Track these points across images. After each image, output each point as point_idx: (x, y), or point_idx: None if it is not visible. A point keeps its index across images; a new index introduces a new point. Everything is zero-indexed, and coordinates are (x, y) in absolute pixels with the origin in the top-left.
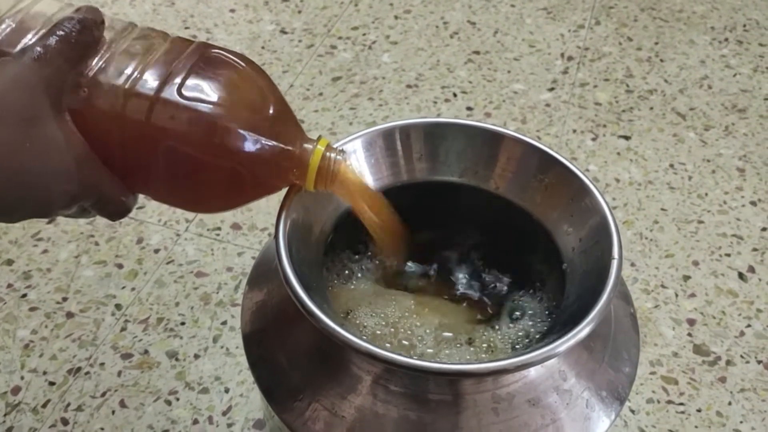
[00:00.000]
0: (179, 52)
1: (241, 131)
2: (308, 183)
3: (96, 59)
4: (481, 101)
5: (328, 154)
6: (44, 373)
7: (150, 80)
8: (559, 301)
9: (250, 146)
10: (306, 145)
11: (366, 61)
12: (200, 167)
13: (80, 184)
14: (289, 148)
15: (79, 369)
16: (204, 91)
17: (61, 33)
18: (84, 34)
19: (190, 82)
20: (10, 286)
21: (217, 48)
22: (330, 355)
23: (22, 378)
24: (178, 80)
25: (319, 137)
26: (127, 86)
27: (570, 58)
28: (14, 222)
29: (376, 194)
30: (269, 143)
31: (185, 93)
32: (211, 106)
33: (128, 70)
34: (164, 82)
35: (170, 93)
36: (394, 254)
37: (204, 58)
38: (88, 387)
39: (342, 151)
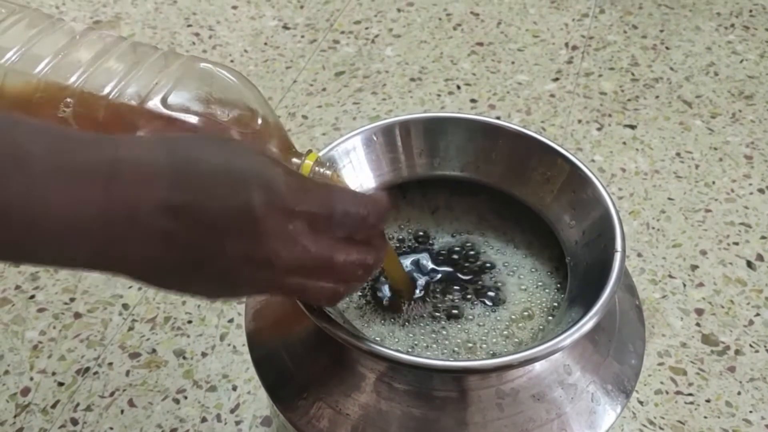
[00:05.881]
0: (168, 64)
1: None
2: None
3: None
4: (485, 93)
5: (317, 168)
6: (53, 373)
7: (135, 90)
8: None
9: None
10: (294, 160)
11: (369, 55)
12: None
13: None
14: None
15: (87, 369)
16: (189, 103)
17: None
18: None
19: (176, 93)
20: (18, 287)
21: (206, 61)
22: (333, 353)
23: (32, 379)
24: (164, 91)
25: (309, 151)
26: (111, 96)
27: (574, 48)
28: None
29: None
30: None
31: (170, 103)
32: (195, 117)
33: (114, 81)
34: (150, 92)
35: (154, 104)
36: (391, 278)
37: (192, 71)
38: (96, 387)
39: (332, 165)
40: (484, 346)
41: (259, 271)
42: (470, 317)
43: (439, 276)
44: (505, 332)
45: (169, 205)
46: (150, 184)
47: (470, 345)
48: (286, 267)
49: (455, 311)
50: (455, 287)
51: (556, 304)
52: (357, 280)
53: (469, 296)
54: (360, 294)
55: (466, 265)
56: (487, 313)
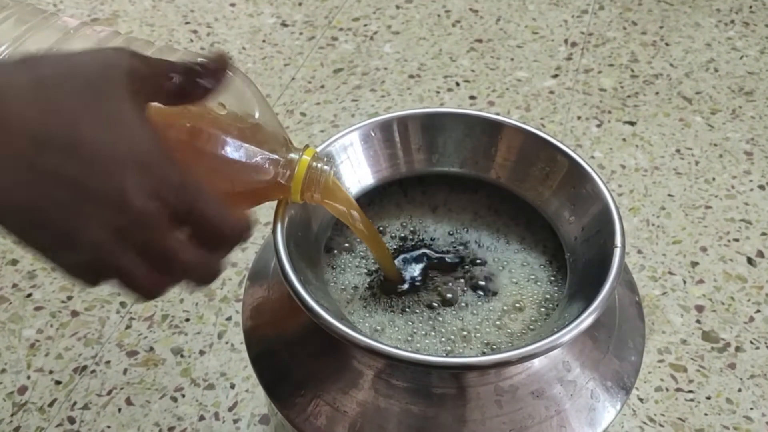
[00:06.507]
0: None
1: (222, 136)
2: (293, 194)
3: None
4: (484, 90)
5: (314, 164)
6: (50, 372)
7: None
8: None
9: (230, 152)
10: (291, 155)
11: (368, 52)
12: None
13: (159, 179)
14: (273, 156)
15: (84, 367)
16: None
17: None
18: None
19: None
20: (15, 285)
21: (204, 56)
22: (331, 350)
23: (29, 377)
24: None
25: (306, 146)
26: None
27: (574, 44)
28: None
29: (359, 209)
30: (251, 150)
31: None
32: None
33: None
34: None
35: None
36: (383, 267)
37: None
38: (94, 385)
39: (330, 160)
40: (478, 335)
41: (102, 240)
42: (463, 304)
43: (434, 271)
44: (498, 322)
45: (31, 159)
46: (9, 130)
47: (465, 333)
48: (133, 245)
49: (450, 296)
50: (449, 281)
51: (548, 296)
52: (182, 279)
53: (462, 289)
54: (366, 286)
55: (460, 258)
56: (480, 303)
